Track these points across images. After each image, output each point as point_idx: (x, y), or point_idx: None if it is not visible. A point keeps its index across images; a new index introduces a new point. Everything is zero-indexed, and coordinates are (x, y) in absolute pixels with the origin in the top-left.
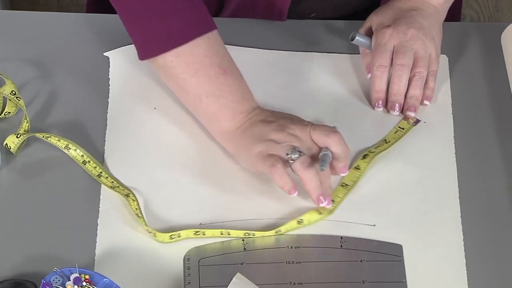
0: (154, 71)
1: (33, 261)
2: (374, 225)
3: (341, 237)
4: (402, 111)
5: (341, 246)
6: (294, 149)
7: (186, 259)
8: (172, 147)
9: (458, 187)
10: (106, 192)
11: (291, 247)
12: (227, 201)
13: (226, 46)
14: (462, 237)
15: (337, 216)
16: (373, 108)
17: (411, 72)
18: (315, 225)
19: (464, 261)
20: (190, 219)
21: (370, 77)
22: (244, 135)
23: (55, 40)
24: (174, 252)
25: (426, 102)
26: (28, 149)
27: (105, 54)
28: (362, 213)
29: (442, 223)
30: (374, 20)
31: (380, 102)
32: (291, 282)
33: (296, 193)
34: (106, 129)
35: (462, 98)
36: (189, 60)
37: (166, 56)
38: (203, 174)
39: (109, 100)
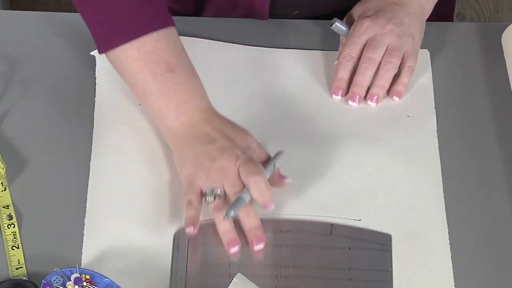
0: None
1: (33, 261)
2: (360, 220)
3: (332, 224)
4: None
5: (331, 233)
6: (211, 192)
7: (176, 236)
8: (161, 147)
9: (442, 181)
10: (93, 192)
11: (281, 231)
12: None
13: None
14: (447, 230)
15: (322, 211)
16: (331, 95)
17: (381, 61)
18: (305, 211)
19: (450, 254)
20: (177, 214)
21: (335, 64)
22: (184, 143)
23: (54, 39)
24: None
25: (395, 97)
26: (29, 149)
27: (92, 53)
28: (348, 208)
29: (427, 216)
30: (357, 10)
31: (340, 91)
32: (277, 265)
33: (192, 229)
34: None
35: (462, 98)
36: (135, 57)
37: (115, 51)
38: None
39: (95, 99)
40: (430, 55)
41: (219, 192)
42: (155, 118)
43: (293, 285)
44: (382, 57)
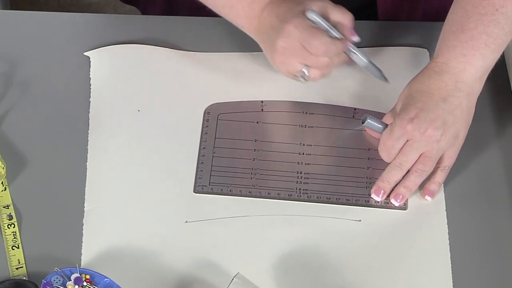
0: None
1: (33, 261)
2: (360, 220)
3: (355, 109)
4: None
5: (353, 117)
6: (300, 74)
7: (207, 112)
8: (157, 146)
9: (444, 189)
10: (90, 192)
11: (306, 112)
12: (211, 200)
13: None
14: (447, 230)
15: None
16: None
17: (412, 166)
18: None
19: (449, 254)
20: (175, 217)
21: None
22: (262, 41)
23: (54, 39)
24: (174, 251)
25: (427, 197)
26: (30, 149)
27: (86, 53)
28: (347, 211)
29: (427, 217)
30: (401, 100)
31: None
32: (300, 143)
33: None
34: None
35: None
36: None
37: None
38: (186, 176)
39: (90, 100)
40: (430, 55)
41: (305, 71)
42: (237, 26)
43: (314, 162)
44: (415, 162)
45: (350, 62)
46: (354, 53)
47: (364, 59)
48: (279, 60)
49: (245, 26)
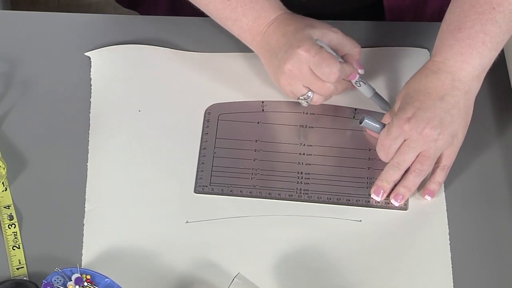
0: None
1: (34, 261)
2: (360, 221)
3: (355, 109)
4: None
5: (354, 117)
6: (303, 98)
7: (207, 113)
8: (157, 146)
9: (445, 191)
10: (91, 192)
11: (307, 113)
12: (210, 200)
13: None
14: (448, 230)
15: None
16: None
17: (411, 166)
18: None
19: (450, 254)
20: (175, 217)
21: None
22: (265, 59)
23: (54, 39)
24: (174, 251)
25: (427, 197)
26: (30, 149)
27: (86, 54)
28: (347, 211)
29: (427, 216)
30: (400, 99)
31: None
32: (301, 143)
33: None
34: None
35: None
36: None
37: None
38: (187, 176)
39: (91, 100)
40: (430, 56)
41: (309, 95)
42: (240, 39)
43: (315, 162)
44: (413, 162)
45: (353, 89)
46: (362, 82)
47: (370, 90)
48: (285, 81)
49: (248, 40)
